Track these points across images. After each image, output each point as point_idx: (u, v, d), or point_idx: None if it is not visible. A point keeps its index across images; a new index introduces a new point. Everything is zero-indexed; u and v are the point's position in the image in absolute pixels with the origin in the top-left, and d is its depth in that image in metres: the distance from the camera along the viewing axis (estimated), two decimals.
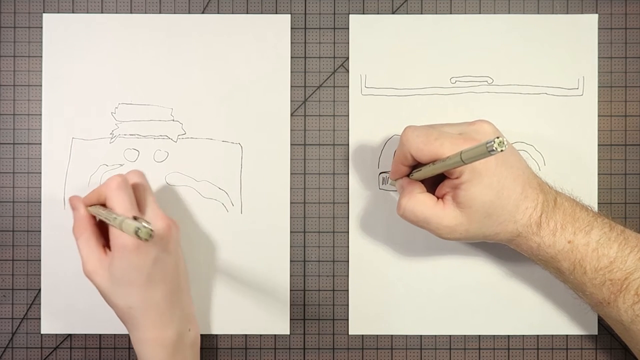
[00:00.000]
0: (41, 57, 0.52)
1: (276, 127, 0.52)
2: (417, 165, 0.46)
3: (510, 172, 0.44)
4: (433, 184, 0.46)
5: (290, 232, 0.52)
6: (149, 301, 0.45)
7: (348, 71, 0.52)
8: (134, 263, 0.44)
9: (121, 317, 0.46)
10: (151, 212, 0.46)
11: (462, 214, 0.44)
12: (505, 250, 0.50)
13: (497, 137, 0.35)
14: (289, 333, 0.52)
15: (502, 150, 0.35)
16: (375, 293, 0.52)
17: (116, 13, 0.52)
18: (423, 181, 0.46)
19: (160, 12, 0.52)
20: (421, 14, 0.52)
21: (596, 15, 0.52)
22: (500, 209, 0.43)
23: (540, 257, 0.45)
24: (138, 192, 0.47)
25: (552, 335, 0.52)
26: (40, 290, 0.52)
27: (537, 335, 0.52)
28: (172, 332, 0.46)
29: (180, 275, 0.48)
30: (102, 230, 0.47)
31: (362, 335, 0.52)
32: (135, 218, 0.43)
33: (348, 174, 0.52)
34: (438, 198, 0.45)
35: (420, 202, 0.45)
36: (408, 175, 0.47)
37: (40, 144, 0.52)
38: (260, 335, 0.52)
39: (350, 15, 0.52)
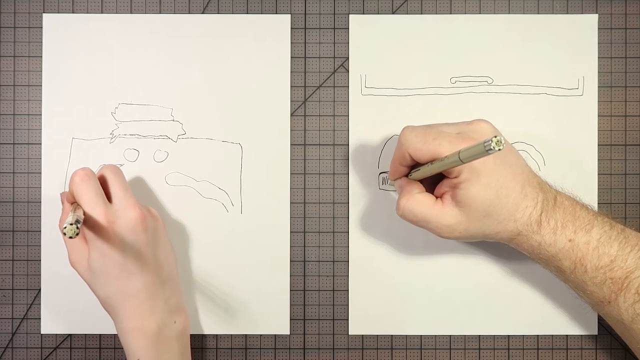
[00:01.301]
0: (41, 57, 0.52)
1: (276, 127, 0.52)
2: (415, 165, 0.46)
3: (509, 171, 0.44)
4: (432, 184, 0.46)
5: (290, 232, 0.52)
6: (126, 291, 0.45)
7: (348, 71, 0.52)
8: (106, 254, 0.44)
9: (104, 306, 0.47)
10: (120, 202, 0.45)
11: (461, 212, 0.44)
12: (505, 250, 0.50)
13: (495, 136, 0.35)
14: (289, 333, 0.52)
15: (499, 149, 0.35)
16: (375, 293, 0.52)
17: (116, 13, 0.52)
18: (422, 181, 0.46)
19: (160, 12, 0.52)
20: (421, 14, 0.52)
21: (596, 15, 0.52)
22: (499, 207, 0.43)
23: (541, 256, 0.45)
24: (107, 184, 0.47)
25: (552, 335, 0.52)
26: (40, 290, 0.52)
27: (537, 335, 0.52)
28: (153, 323, 0.46)
29: (162, 266, 0.47)
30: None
31: (362, 335, 0.52)
32: (76, 214, 0.43)
33: (348, 174, 0.52)
34: (437, 197, 0.45)
35: (419, 201, 0.45)
36: (407, 175, 0.47)
37: (40, 144, 0.52)
38: (260, 335, 0.52)
39: (350, 15, 0.52)
